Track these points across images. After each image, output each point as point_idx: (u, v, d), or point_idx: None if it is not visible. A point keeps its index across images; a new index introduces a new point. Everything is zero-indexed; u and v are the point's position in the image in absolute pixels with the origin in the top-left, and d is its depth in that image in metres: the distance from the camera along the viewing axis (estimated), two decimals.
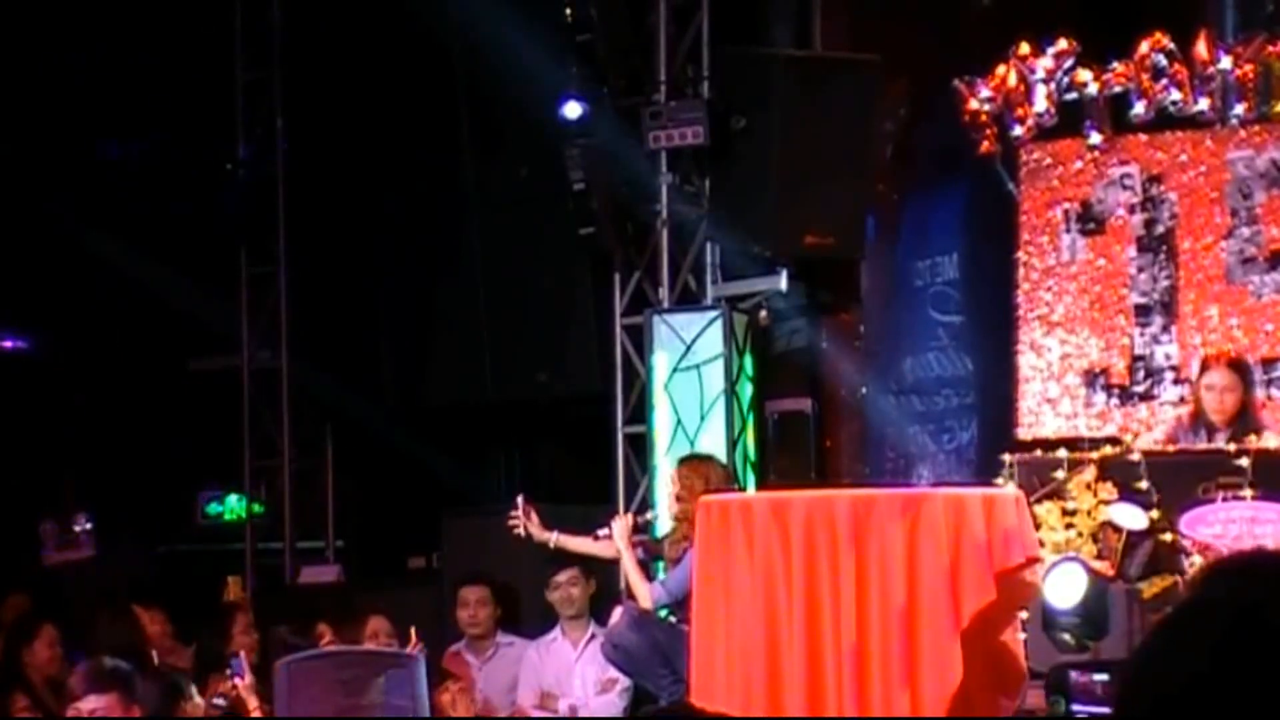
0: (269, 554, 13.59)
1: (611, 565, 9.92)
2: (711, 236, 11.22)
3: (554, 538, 9.41)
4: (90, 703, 6.32)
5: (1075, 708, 7.36)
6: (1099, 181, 10.00)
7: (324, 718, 7.66)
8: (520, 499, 9.48)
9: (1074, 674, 7.43)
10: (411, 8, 12.41)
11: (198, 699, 7.27)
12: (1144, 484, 7.99)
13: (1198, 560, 7.90)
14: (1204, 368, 8.67)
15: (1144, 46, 9.64)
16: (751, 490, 10.52)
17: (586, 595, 9.94)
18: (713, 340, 11.04)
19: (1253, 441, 8.17)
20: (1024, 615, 7.41)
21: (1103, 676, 7.39)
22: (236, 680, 8.03)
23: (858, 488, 8.73)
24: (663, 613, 9.14)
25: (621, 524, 9.23)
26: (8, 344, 14.65)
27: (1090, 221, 10.00)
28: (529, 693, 9.89)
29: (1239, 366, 8.64)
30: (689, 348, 11.08)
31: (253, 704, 7.90)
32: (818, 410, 11.50)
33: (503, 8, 12.11)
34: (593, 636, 9.84)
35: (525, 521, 9.37)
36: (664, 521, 9.98)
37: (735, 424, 11.02)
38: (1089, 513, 7.98)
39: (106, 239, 13.17)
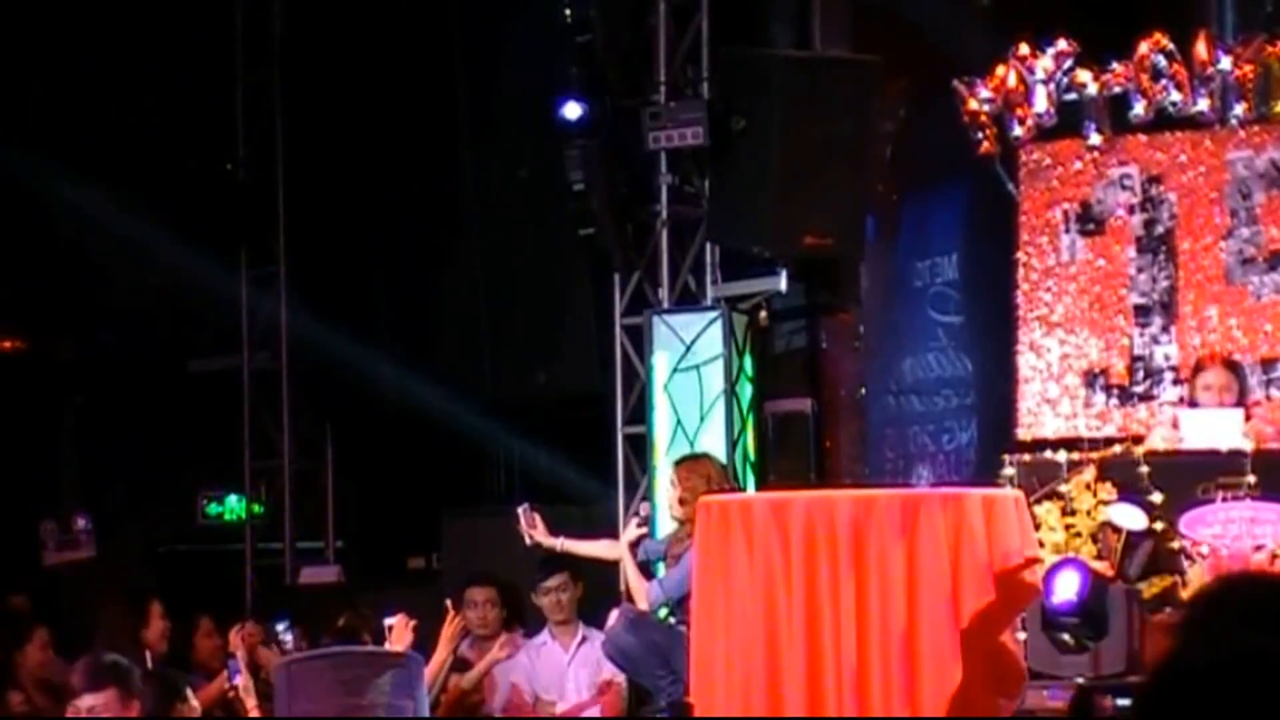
0: (269, 554, 13.60)
1: (609, 568, 9.94)
2: (711, 237, 11.22)
3: (560, 543, 9.44)
4: (87, 700, 6.30)
5: None
6: (1098, 182, 9.99)
7: (324, 718, 7.65)
8: (523, 508, 9.46)
9: (1098, 697, 7.45)
10: (411, 8, 12.42)
11: (193, 700, 7.25)
12: (1144, 484, 8.00)
13: (1198, 561, 7.91)
14: (1199, 368, 8.71)
15: (1143, 47, 9.63)
16: (751, 491, 10.52)
17: (575, 599, 9.94)
18: (712, 340, 11.04)
19: (1250, 443, 8.18)
20: (1023, 615, 7.41)
21: (1126, 701, 7.38)
22: (235, 680, 8.03)
23: (857, 488, 8.74)
24: (662, 613, 9.16)
25: (630, 533, 9.35)
26: (7, 344, 14.65)
27: (1090, 222, 10.00)
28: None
29: (1234, 366, 8.69)
30: (689, 348, 11.08)
31: (250, 704, 7.90)
32: (817, 411, 11.50)
33: (502, 9, 12.13)
34: (583, 639, 9.86)
35: (530, 530, 9.38)
36: (664, 522, 9.99)
37: (735, 424, 11.02)
38: (1089, 513, 7.99)
39: (106, 238, 13.18)
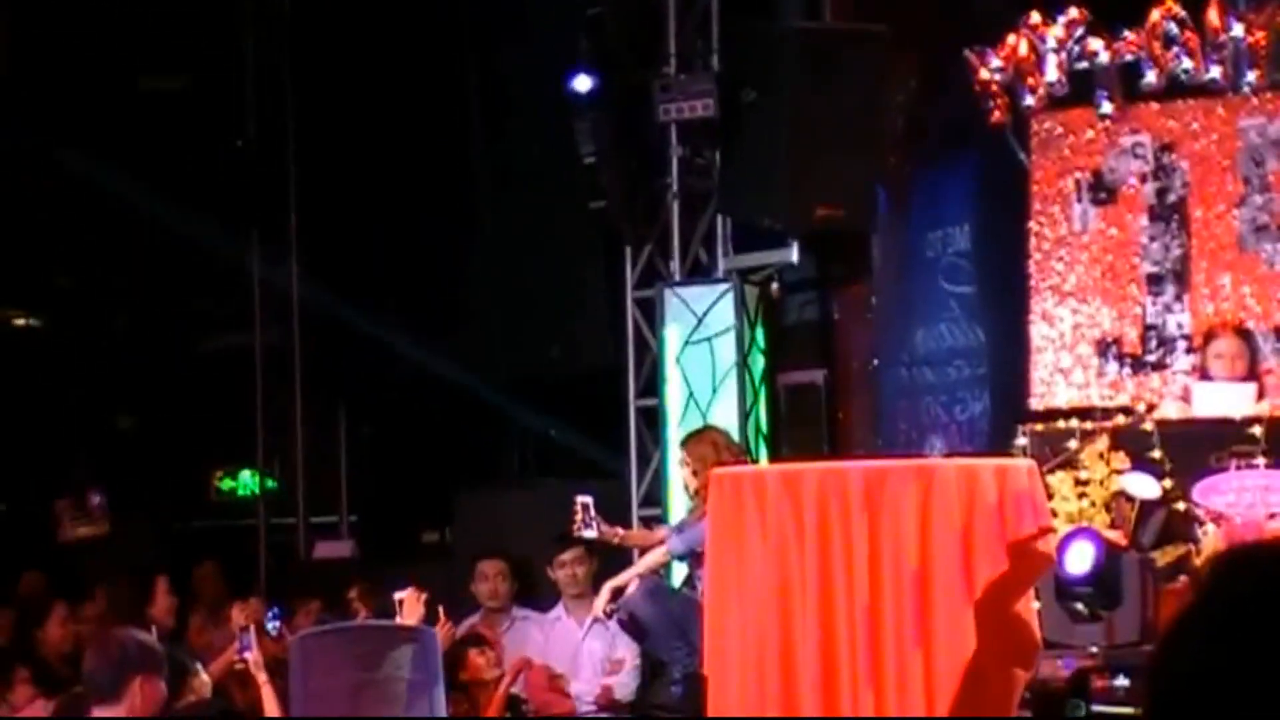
0: (282, 529, 13.62)
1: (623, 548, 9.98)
2: (722, 209, 11.21)
3: (618, 535, 9.49)
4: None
5: (1095, 708, 7.36)
6: (1111, 151, 9.96)
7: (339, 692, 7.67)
8: (584, 501, 9.37)
9: (1095, 677, 7.45)
10: None
11: (203, 675, 7.27)
12: (1157, 453, 8.00)
13: (1211, 529, 7.91)
14: (1211, 336, 8.71)
15: (1155, 14, 9.59)
16: (764, 463, 10.52)
17: (590, 574, 9.93)
18: (724, 313, 11.04)
19: (1264, 409, 8.18)
20: (1037, 585, 7.41)
21: (1124, 681, 7.39)
22: (246, 655, 8.05)
23: (870, 459, 8.73)
24: (679, 576, 9.17)
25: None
26: (20, 321, 14.68)
27: (1102, 191, 9.97)
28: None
29: (1245, 334, 8.69)
30: (700, 321, 11.08)
31: (262, 678, 7.91)
32: (830, 382, 11.50)
33: None
34: (597, 616, 9.86)
35: (597, 522, 9.33)
36: (677, 509, 10.04)
37: (747, 397, 11.02)
38: (1102, 482, 7.99)
39: (117, 215, 13.18)
